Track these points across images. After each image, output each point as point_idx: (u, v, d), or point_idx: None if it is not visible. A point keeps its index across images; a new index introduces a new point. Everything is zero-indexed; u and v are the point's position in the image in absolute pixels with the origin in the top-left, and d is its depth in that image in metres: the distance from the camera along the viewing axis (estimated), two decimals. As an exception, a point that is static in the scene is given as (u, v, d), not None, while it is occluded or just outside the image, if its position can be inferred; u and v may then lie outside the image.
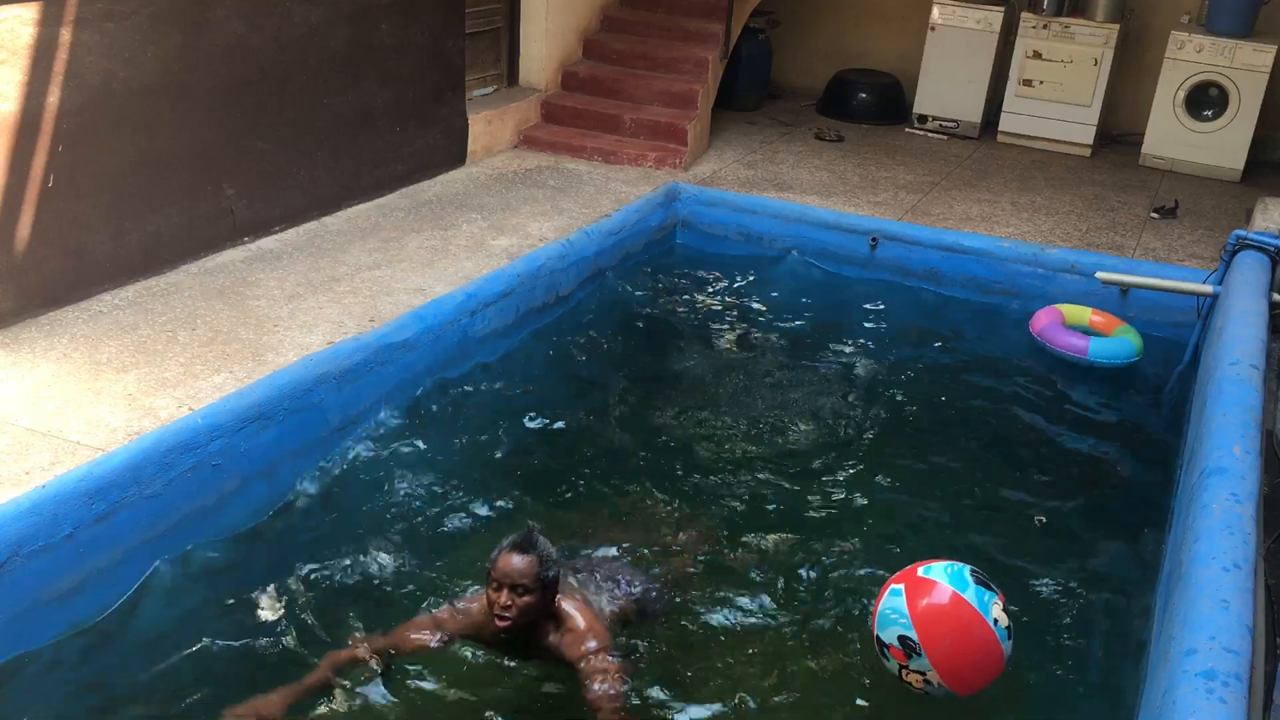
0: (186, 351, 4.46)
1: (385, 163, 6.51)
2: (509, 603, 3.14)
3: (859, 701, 3.48)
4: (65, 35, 4.57)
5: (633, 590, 3.65)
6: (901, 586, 3.27)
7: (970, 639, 3.18)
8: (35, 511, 3.37)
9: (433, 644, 3.33)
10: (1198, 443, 3.97)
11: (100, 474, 3.56)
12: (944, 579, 3.24)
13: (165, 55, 5.03)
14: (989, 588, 3.25)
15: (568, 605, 3.30)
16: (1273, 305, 5.22)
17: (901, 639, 3.20)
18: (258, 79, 5.55)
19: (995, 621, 3.18)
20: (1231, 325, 4.77)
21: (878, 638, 3.30)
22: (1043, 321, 5.90)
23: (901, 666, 3.24)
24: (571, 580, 3.46)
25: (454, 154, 7.12)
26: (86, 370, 4.26)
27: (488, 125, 7.40)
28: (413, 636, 3.34)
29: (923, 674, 3.20)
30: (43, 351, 4.38)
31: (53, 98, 4.56)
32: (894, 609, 3.24)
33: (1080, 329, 5.88)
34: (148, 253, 5.12)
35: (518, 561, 3.16)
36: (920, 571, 3.29)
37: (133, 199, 5.00)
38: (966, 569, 3.28)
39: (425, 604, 3.60)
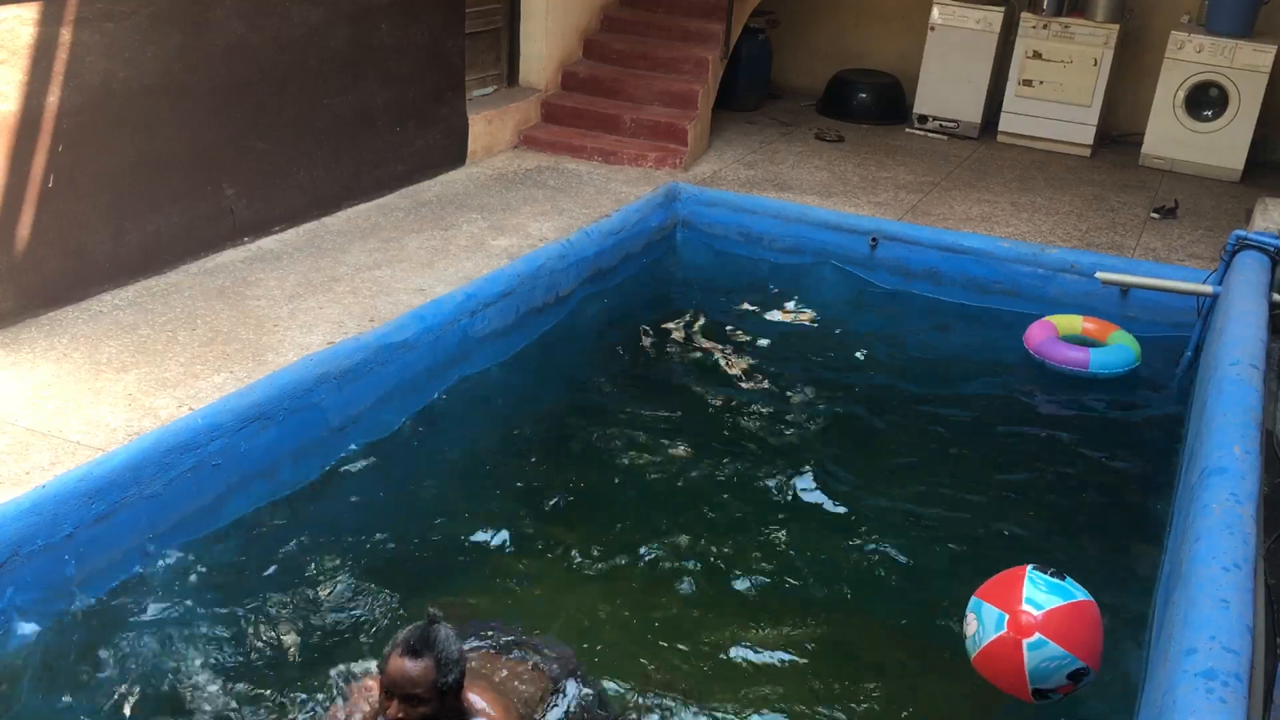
0: (186, 351, 4.46)
1: (385, 163, 6.51)
2: (400, 715, 2.73)
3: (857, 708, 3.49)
4: (65, 35, 4.57)
5: (549, 664, 3.32)
6: (1038, 634, 3.12)
7: (1100, 626, 3.24)
8: (35, 511, 3.37)
9: None
10: (1198, 443, 3.97)
11: (100, 474, 3.57)
12: (1061, 598, 3.16)
13: (165, 55, 5.03)
14: (1063, 575, 3.26)
15: (476, 700, 2.92)
16: (1273, 305, 5.22)
17: (1071, 675, 3.15)
18: (258, 79, 5.54)
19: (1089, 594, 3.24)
20: (1231, 325, 4.77)
21: (1036, 691, 3.17)
22: (1038, 337, 5.82)
23: (1066, 694, 3.20)
24: (474, 662, 3.09)
25: (454, 154, 7.12)
26: (86, 370, 4.26)
27: (488, 125, 7.40)
28: None
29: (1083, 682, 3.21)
30: (43, 351, 4.38)
31: (53, 98, 4.56)
32: (1050, 658, 3.12)
33: (1075, 339, 5.84)
34: (148, 253, 5.12)
35: (410, 668, 2.71)
36: (1034, 609, 3.15)
37: (133, 199, 5.00)
38: (1043, 575, 3.24)
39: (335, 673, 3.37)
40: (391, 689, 2.73)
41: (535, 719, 3.14)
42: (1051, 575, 3.24)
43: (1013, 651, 3.14)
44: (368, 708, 3.01)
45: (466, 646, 3.02)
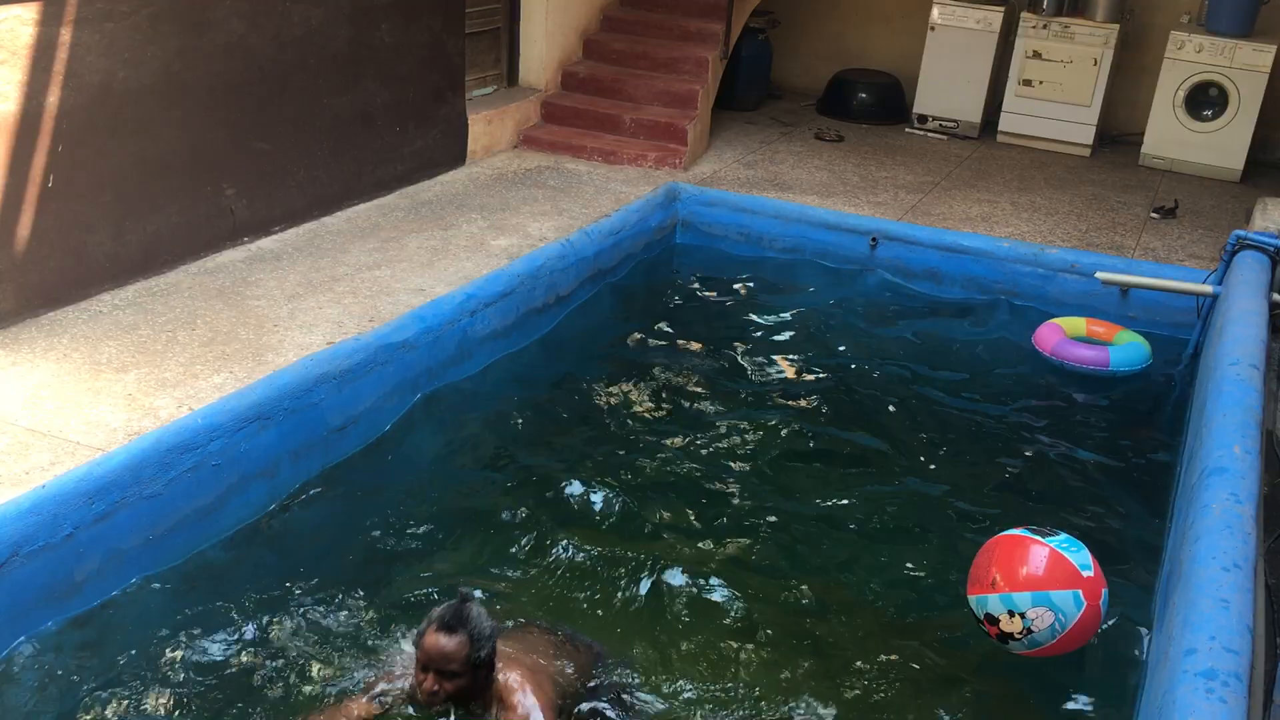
0: (186, 351, 4.46)
1: (385, 163, 6.51)
2: (435, 687, 2.88)
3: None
4: (65, 35, 4.57)
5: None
6: (1104, 590, 3.37)
7: None
8: (35, 511, 3.37)
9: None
10: (1198, 443, 3.97)
11: (100, 474, 3.56)
12: (1085, 547, 3.40)
13: (165, 55, 5.03)
14: (1053, 529, 3.50)
15: (509, 679, 3.03)
16: (1273, 305, 5.23)
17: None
18: (258, 79, 5.54)
19: None
20: (1231, 325, 4.77)
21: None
22: (1051, 338, 5.76)
23: None
24: (508, 647, 3.15)
25: (454, 154, 7.12)
26: (86, 370, 4.26)
27: (488, 125, 7.40)
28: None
29: None
30: (43, 351, 4.38)
31: (53, 98, 4.56)
32: (1106, 600, 3.38)
33: (1084, 340, 5.80)
34: (147, 253, 5.12)
35: (445, 643, 2.86)
36: (1088, 570, 3.35)
37: (132, 199, 5.00)
38: (1059, 537, 3.42)
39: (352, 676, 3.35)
40: (427, 663, 2.88)
41: (570, 693, 3.18)
42: (1057, 533, 3.42)
43: (1095, 615, 3.35)
44: (399, 685, 3.10)
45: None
